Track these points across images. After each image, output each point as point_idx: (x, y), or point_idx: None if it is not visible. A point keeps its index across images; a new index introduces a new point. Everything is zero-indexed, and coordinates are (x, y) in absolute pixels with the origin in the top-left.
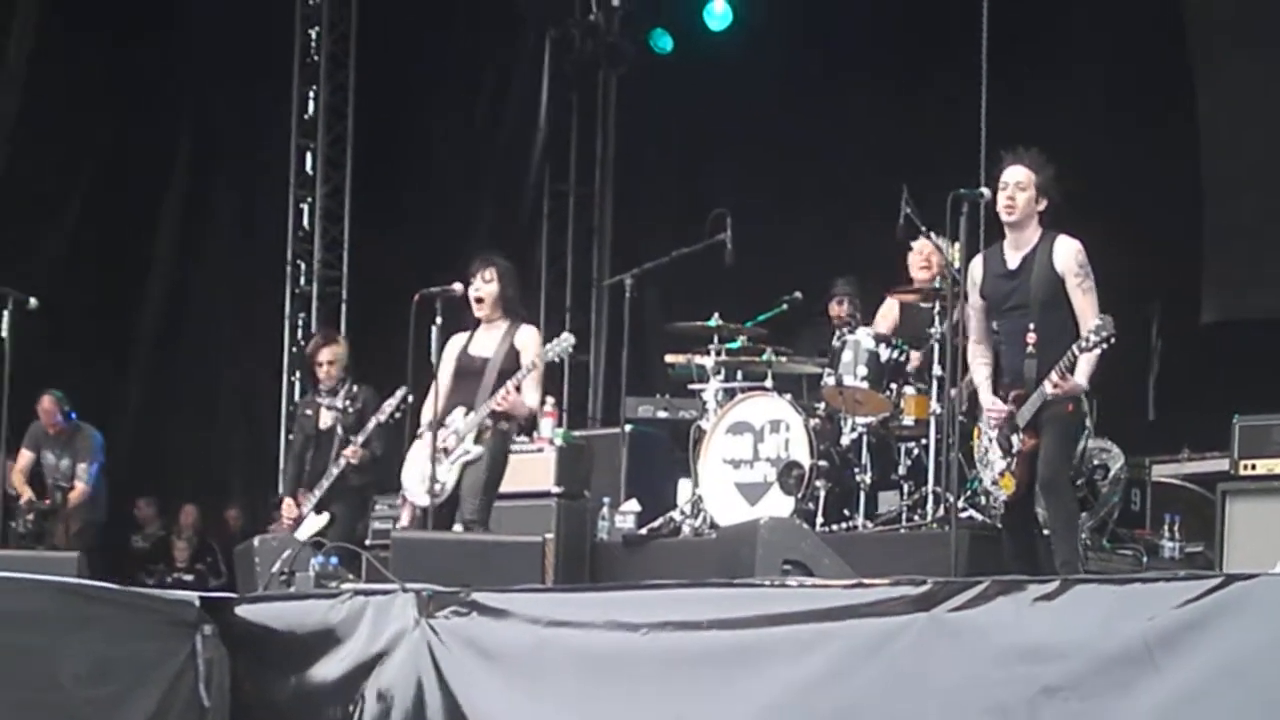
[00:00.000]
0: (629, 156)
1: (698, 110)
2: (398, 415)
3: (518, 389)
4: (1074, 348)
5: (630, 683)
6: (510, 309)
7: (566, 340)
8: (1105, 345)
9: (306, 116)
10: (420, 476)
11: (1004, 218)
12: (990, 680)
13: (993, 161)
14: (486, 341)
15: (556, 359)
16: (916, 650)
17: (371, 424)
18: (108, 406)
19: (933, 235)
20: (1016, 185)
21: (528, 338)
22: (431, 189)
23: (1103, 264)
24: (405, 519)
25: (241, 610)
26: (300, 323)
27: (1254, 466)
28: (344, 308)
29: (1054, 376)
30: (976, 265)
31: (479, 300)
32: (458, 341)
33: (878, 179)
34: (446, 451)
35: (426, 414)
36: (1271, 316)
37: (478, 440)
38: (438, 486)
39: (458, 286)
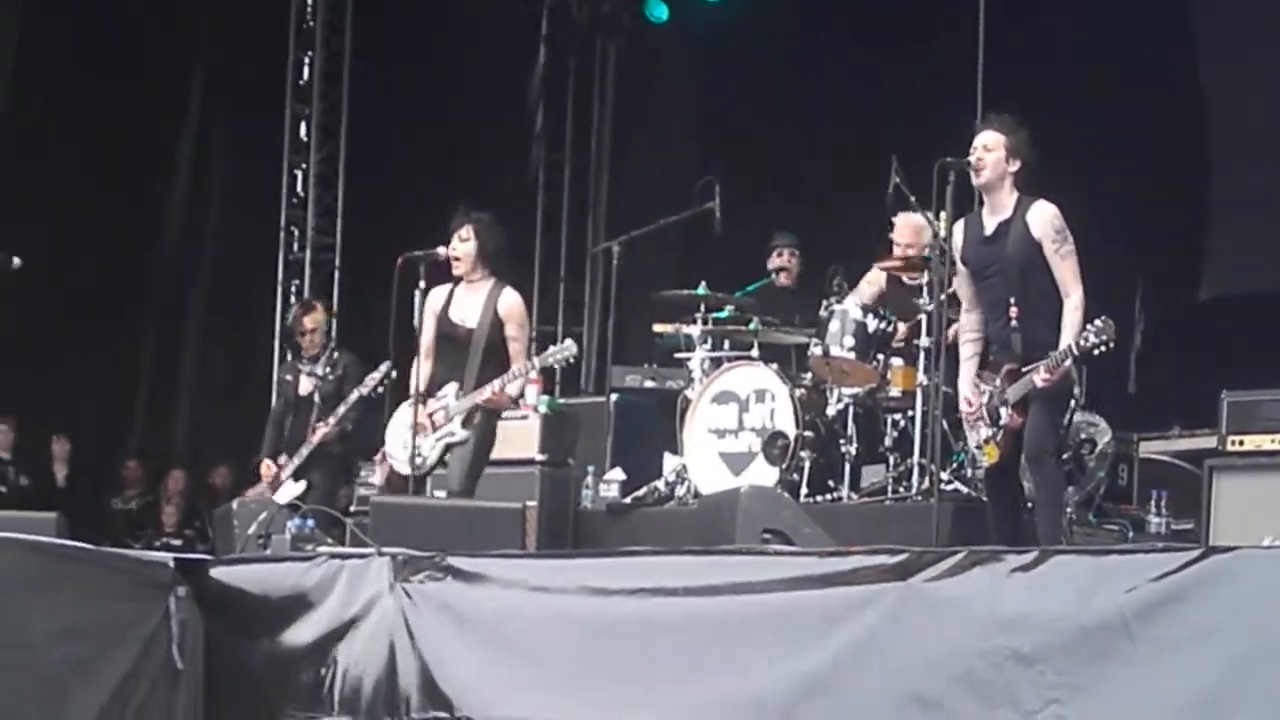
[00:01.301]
0: (625, 125)
1: (693, 79)
2: (379, 390)
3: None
4: (1070, 346)
5: (605, 649)
6: (492, 265)
7: (569, 349)
8: (1101, 350)
9: (301, 83)
10: (404, 442)
11: (973, 180)
12: (966, 650)
13: None
14: (469, 306)
15: (556, 366)
16: (892, 620)
17: (353, 396)
18: (99, 369)
19: (918, 208)
20: (984, 147)
21: (511, 306)
22: (426, 156)
23: (1091, 238)
24: (379, 477)
25: (216, 572)
26: (293, 289)
27: (1241, 442)
28: (337, 274)
29: (1043, 371)
30: (958, 231)
31: (456, 260)
32: (438, 299)
33: (870, 148)
34: (434, 424)
35: (418, 372)
36: (1274, 288)
37: (465, 424)
38: (419, 460)
39: (441, 250)
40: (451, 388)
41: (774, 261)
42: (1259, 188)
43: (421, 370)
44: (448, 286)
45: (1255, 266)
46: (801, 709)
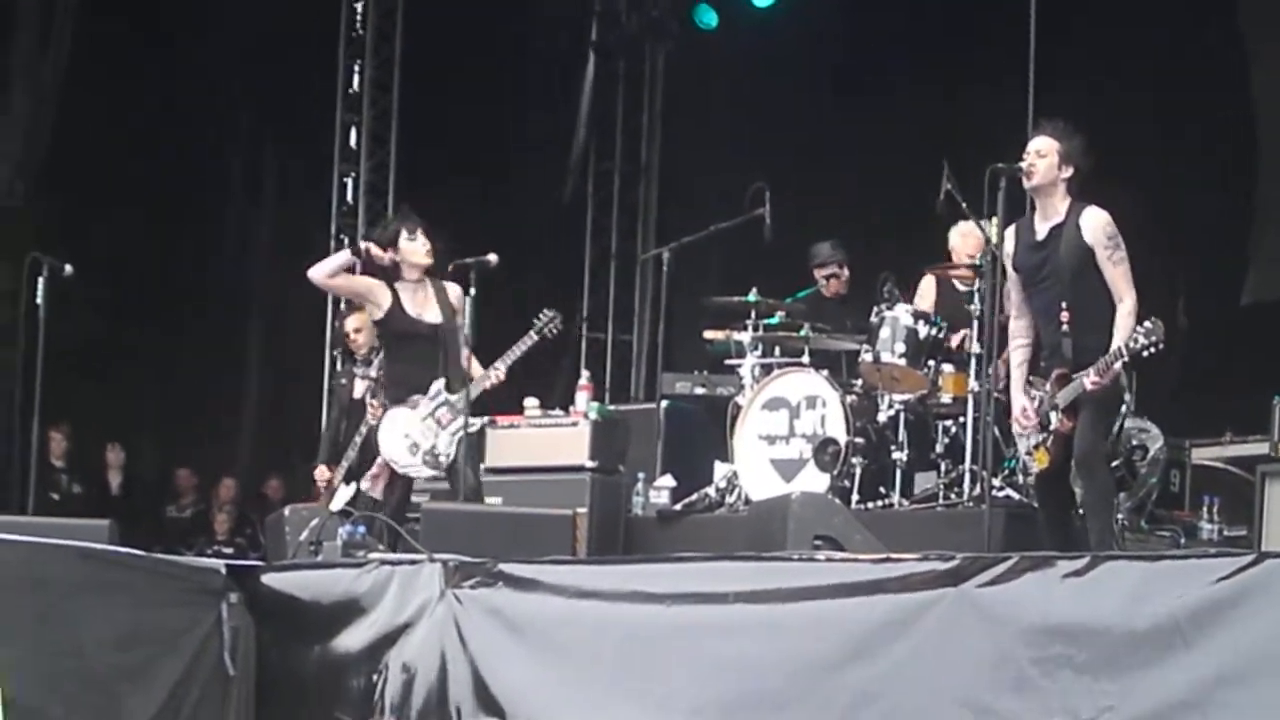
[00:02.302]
0: (675, 132)
1: (742, 84)
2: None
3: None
4: (1120, 348)
5: (655, 654)
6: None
7: (554, 318)
8: (1151, 351)
9: (351, 91)
10: (410, 446)
11: (1024, 184)
12: (1019, 657)
13: None
14: (423, 303)
15: (548, 335)
16: (944, 626)
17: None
18: (153, 378)
19: (970, 215)
20: (1036, 153)
21: (460, 297)
22: (476, 163)
23: (1140, 240)
24: (378, 491)
25: (267, 579)
26: (344, 297)
27: None
28: None
29: (1093, 374)
30: (1009, 237)
31: (423, 263)
32: (382, 289)
33: (920, 155)
34: (439, 423)
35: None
36: None
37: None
38: (442, 459)
39: (492, 257)
40: (439, 384)
41: (824, 271)
42: None
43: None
44: (381, 284)
45: None
46: (854, 716)
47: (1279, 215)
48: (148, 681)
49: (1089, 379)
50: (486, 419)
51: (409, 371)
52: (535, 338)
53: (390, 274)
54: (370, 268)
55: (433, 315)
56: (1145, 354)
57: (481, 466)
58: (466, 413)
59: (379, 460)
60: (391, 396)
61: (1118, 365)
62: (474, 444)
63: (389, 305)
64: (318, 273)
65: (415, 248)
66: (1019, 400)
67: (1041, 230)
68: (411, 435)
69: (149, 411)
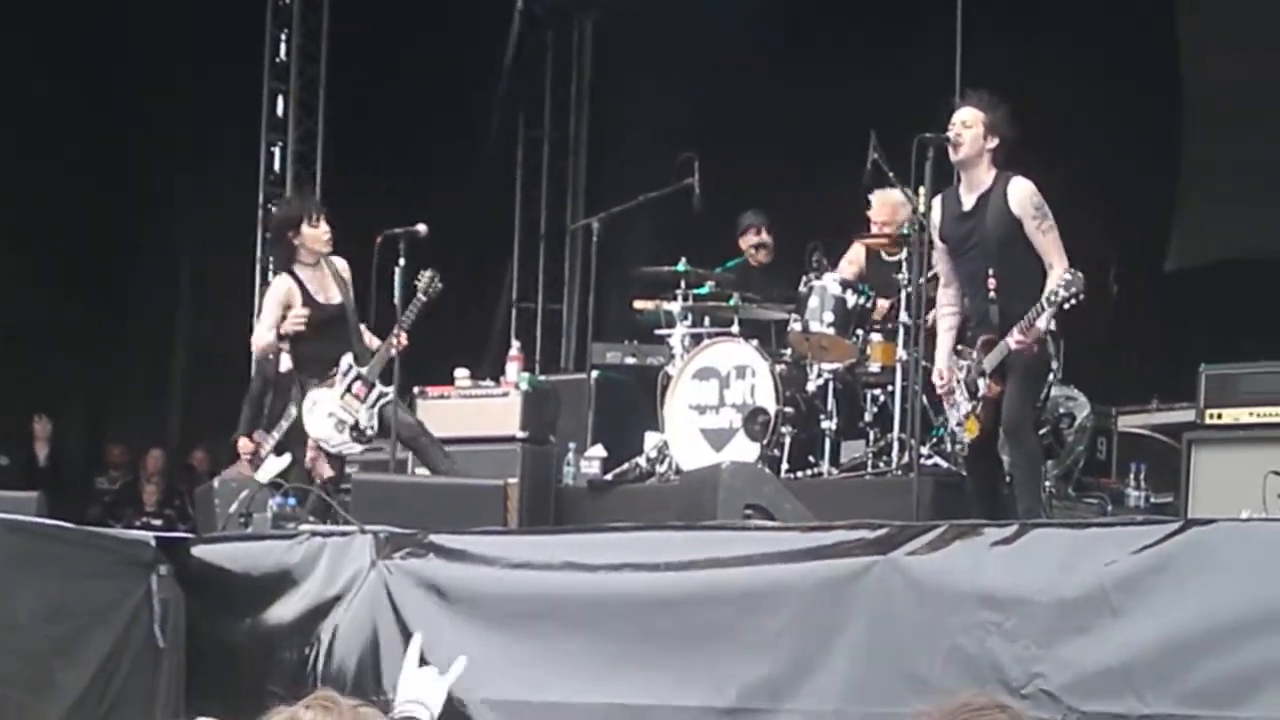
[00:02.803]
0: (603, 102)
1: (670, 55)
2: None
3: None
4: (1043, 300)
5: (589, 625)
6: None
7: (431, 278)
8: (1072, 302)
9: (278, 60)
10: (336, 424)
11: (951, 156)
12: (948, 625)
13: None
14: (324, 284)
15: (433, 295)
16: (874, 594)
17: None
18: (79, 349)
19: (896, 184)
20: (962, 124)
21: (348, 269)
22: (404, 133)
23: (1068, 208)
24: (326, 469)
25: (198, 551)
26: (270, 267)
27: (1220, 416)
28: None
29: (1016, 333)
30: (935, 207)
31: (324, 250)
32: (287, 291)
33: (849, 124)
34: (357, 398)
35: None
36: (1244, 256)
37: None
38: (368, 432)
39: (421, 227)
40: (347, 359)
41: (748, 240)
42: (1228, 157)
43: (262, 341)
44: (286, 280)
45: (1224, 237)
46: (786, 685)
47: (1202, 181)
48: (78, 654)
49: (1013, 338)
50: (394, 386)
51: (321, 350)
52: (423, 298)
53: (286, 258)
54: (282, 258)
55: (335, 294)
56: (1067, 305)
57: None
58: (373, 381)
59: (309, 442)
60: (310, 375)
61: (1041, 322)
62: (398, 402)
63: (299, 298)
64: (261, 340)
65: (318, 234)
66: (940, 363)
67: (968, 200)
68: (335, 414)
69: (75, 382)
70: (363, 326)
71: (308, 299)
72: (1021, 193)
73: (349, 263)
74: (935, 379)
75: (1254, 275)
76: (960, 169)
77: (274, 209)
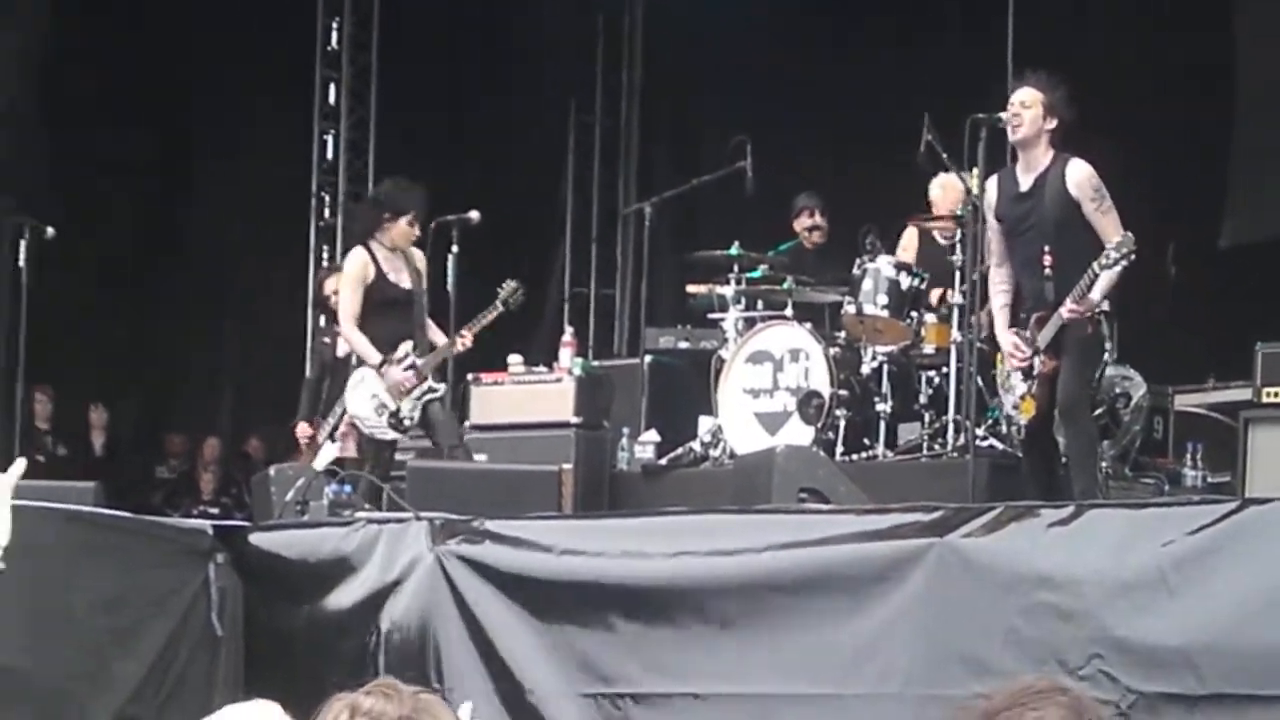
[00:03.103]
0: (655, 86)
1: (723, 38)
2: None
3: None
4: (1094, 265)
5: (645, 611)
6: None
7: (516, 290)
8: (1126, 262)
9: (330, 49)
10: (377, 407)
11: (1010, 136)
12: (1007, 607)
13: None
14: (397, 268)
15: (511, 307)
16: (930, 576)
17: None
18: (135, 339)
19: (950, 166)
20: (1021, 104)
21: (425, 262)
22: (456, 120)
23: (1123, 188)
24: (350, 448)
25: (255, 539)
26: (324, 255)
27: (1276, 394)
28: None
29: (1069, 303)
30: (991, 187)
31: (406, 247)
32: (363, 266)
33: (902, 106)
34: (407, 387)
35: (358, 338)
36: None
37: (440, 378)
38: (406, 422)
39: (474, 214)
40: (406, 346)
41: (803, 222)
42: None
43: (357, 336)
44: (362, 254)
45: (1277, 213)
46: (843, 669)
47: (1257, 157)
48: (136, 644)
49: (1066, 307)
50: (444, 385)
51: (382, 331)
52: (500, 308)
53: (365, 232)
54: (360, 230)
55: (406, 281)
56: (1118, 267)
57: (466, 423)
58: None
59: (345, 419)
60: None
61: (1096, 291)
62: (446, 401)
63: (372, 276)
64: (347, 322)
65: (409, 234)
66: (1008, 338)
67: (1025, 181)
68: (379, 396)
69: (130, 372)
70: (432, 323)
71: (380, 278)
72: (1080, 174)
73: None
74: (1008, 350)
75: None
76: (1018, 149)
77: (385, 182)
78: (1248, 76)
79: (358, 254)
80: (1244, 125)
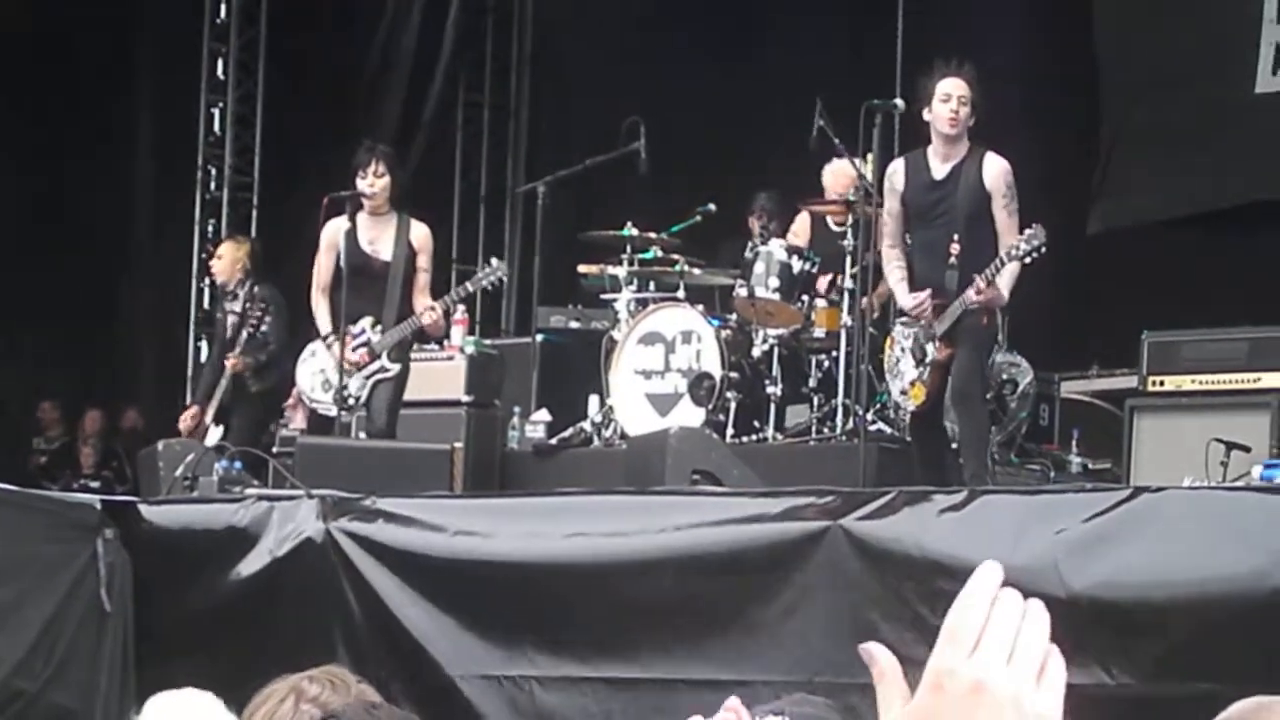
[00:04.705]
0: (545, 66)
1: (615, 19)
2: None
3: (446, 313)
4: (1003, 254)
5: (537, 591)
6: (398, 200)
7: (499, 269)
8: (1036, 254)
9: (218, 21)
10: (323, 383)
11: (947, 130)
12: (898, 591)
13: (910, 74)
14: (380, 238)
15: (488, 288)
16: (823, 560)
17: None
18: (17, 310)
19: (843, 151)
20: (959, 99)
21: (423, 238)
22: (344, 95)
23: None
24: (300, 421)
25: (146, 513)
26: (210, 228)
27: (1162, 383)
28: (255, 213)
29: (979, 283)
30: (898, 171)
31: (370, 195)
32: (337, 233)
33: (795, 90)
34: (357, 364)
35: (320, 308)
36: (1158, 218)
37: (395, 358)
38: (351, 400)
39: (364, 190)
40: (366, 322)
41: (751, 223)
42: (1144, 121)
43: (319, 306)
44: (343, 220)
45: (1142, 199)
46: (739, 650)
47: (1125, 141)
48: (21, 617)
49: (973, 290)
50: (399, 365)
51: (347, 306)
52: (484, 285)
53: (354, 204)
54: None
55: (385, 251)
56: (1028, 259)
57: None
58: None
59: (294, 390)
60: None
61: (1003, 282)
62: (396, 387)
63: (343, 243)
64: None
65: (364, 185)
66: (910, 298)
67: (940, 170)
68: (325, 371)
69: (11, 343)
70: (427, 298)
71: (351, 243)
72: (997, 169)
73: (331, 228)
74: (911, 303)
75: (1181, 237)
76: (941, 140)
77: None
78: (1106, 63)
79: (334, 221)
80: (1111, 105)
